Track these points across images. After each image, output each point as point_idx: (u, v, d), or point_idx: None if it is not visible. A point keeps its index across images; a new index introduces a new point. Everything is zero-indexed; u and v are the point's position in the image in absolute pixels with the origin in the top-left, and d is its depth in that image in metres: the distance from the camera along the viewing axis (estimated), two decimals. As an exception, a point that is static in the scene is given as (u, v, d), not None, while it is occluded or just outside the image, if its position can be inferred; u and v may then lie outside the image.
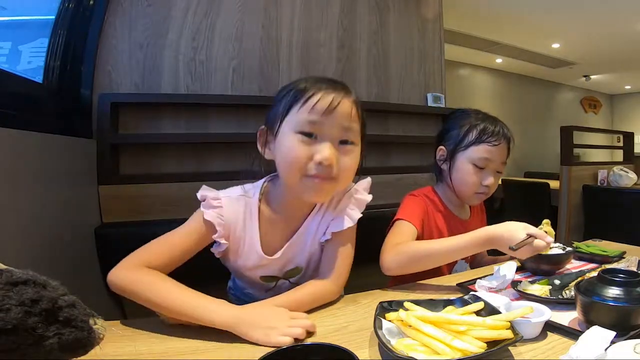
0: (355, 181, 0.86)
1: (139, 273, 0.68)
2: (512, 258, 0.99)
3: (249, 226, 0.79)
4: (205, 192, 0.79)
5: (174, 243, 0.75)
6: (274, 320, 0.62)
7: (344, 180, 0.76)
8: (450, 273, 1.05)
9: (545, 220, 0.92)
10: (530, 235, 0.81)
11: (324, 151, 0.70)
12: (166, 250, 0.74)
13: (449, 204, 1.12)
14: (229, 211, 0.78)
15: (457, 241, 0.87)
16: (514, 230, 0.83)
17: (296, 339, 0.59)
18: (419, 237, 0.99)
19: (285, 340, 0.58)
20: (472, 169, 1.04)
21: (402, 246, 0.90)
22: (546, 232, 0.84)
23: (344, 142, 0.73)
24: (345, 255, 0.83)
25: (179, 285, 0.68)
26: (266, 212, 0.81)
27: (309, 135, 0.71)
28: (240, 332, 0.61)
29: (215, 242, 0.79)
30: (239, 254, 0.81)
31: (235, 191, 0.81)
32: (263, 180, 0.84)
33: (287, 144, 0.72)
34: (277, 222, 0.82)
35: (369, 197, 0.87)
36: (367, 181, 0.90)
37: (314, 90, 0.72)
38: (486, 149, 1.03)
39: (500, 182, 3.86)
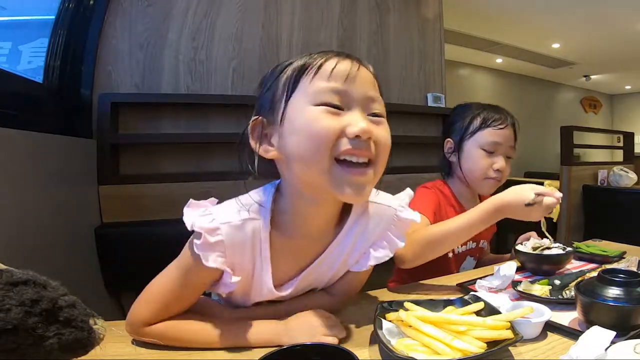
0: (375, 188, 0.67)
1: (153, 329, 0.59)
2: (512, 257, 0.99)
3: (257, 257, 0.61)
4: (195, 218, 0.58)
5: (173, 298, 0.61)
6: (314, 322, 0.61)
7: (381, 162, 0.59)
8: (458, 271, 1.05)
9: (547, 182, 0.90)
10: (538, 194, 0.80)
11: (360, 121, 0.55)
12: (165, 311, 0.60)
13: (460, 198, 1.11)
14: (232, 242, 0.58)
15: (468, 217, 0.84)
16: (521, 193, 0.81)
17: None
18: None
19: (332, 340, 0.58)
20: (482, 153, 1.04)
21: (414, 235, 0.86)
22: None
23: (373, 115, 0.58)
24: (364, 279, 0.74)
25: (199, 322, 0.61)
26: (277, 237, 0.62)
27: (335, 106, 0.55)
28: (283, 343, 0.58)
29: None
30: (245, 290, 0.64)
31: (234, 213, 0.60)
32: (269, 189, 0.63)
33: (308, 117, 0.55)
34: (291, 248, 0.64)
35: (417, 217, 0.71)
36: (407, 194, 0.74)
37: (323, 58, 0.58)
38: (493, 132, 1.04)
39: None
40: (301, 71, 0.58)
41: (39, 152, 1.05)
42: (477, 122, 1.06)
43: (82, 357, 0.44)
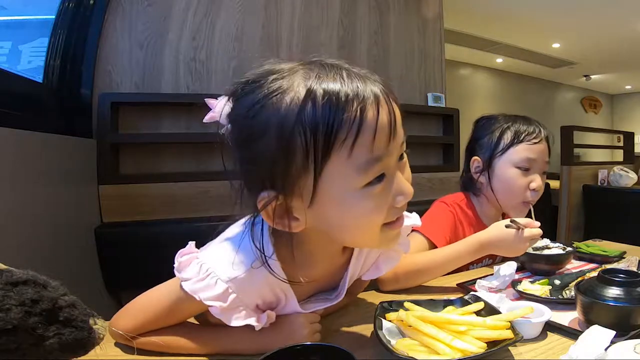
0: None
1: (135, 339, 0.57)
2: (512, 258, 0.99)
3: (278, 289, 0.57)
4: (195, 286, 0.51)
5: (157, 320, 0.58)
6: (297, 328, 0.58)
7: None
8: (468, 269, 1.01)
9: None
10: (517, 225, 0.80)
11: (405, 187, 0.49)
12: (148, 327, 0.58)
13: (483, 217, 1.04)
14: (246, 294, 0.53)
15: (454, 251, 0.84)
16: (500, 227, 0.82)
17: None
18: None
19: (317, 337, 0.58)
20: (517, 172, 0.96)
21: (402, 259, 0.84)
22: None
23: (400, 157, 0.51)
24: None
25: (186, 329, 0.59)
26: (287, 269, 0.56)
27: (380, 178, 0.47)
28: (272, 348, 0.54)
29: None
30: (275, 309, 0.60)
31: (235, 265, 0.52)
32: (257, 224, 0.53)
33: (360, 203, 0.46)
34: (305, 277, 0.58)
35: (417, 220, 0.69)
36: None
37: (357, 105, 0.43)
38: (527, 148, 0.96)
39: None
40: (333, 134, 0.43)
41: (39, 152, 1.05)
42: (508, 136, 0.97)
43: (82, 357, 0.44)
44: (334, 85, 0.43)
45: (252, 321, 0.53)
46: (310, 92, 0.43)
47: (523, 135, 0.96)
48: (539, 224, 0.83)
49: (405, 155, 0.51)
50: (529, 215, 0.97)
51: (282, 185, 0.46)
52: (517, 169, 0.96)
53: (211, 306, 0.51)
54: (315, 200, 0.46)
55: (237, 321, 0.52)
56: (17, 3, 1.45)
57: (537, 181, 0.95)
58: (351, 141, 0.43)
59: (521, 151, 0.96)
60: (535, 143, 0.96)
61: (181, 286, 0.53)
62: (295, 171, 0.45)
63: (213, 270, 0.52)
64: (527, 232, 0.81)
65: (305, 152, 0.43)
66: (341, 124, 0.42)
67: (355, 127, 0.43)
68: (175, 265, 0.54)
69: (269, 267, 0.52)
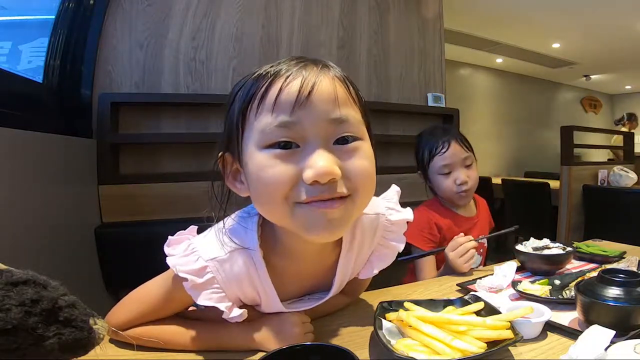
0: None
1: (129, 332, 0.57)
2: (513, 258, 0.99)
3: (259, 285, 0.57)
4: (177, 260, 0.54)
5: (152, 311, 0.59)
6: (289, 327, 0.58)
7: (363, 194, 0.51)
8: None
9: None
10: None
11: (317, 162, 0.46)
12: (141, 320, 0.59)
13: (452, 207, 1.19)
14: (225, 277, 0.55)
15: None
16: (451, 246, 0.96)
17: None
18: (440, 244, 1.10)
19: (310, 337, 0.58)
20: (441, 177, 1.13)
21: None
22: None
23: (341, 141, 0.49)
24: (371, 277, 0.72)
25: (173, 326, 0.59)
26: (275, 261, 0.58)
27: (284, 146, 0.47)
28: (267, 348, 0.56)
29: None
30: (259, 307, 0.61)
31: (219, 247, 0.55)
32: (250, 217, 0.58)
33: (257, 165, 0.48)
34: (292, 271, 0.60)
35: (409, 214, 0.67)
36: (395, 192, 0.69)
37: (270, 78, 0.48)
38: (440, 159, 1.12)
39: (500, 182, 3.79)
40: (246, 102, 0.49)
41: (39, 152, 1.05)
42: (425, 155, 1.15)
43: (82, 357, 0.43)
44: (267, 67, 0.50)
45: (222, 306, 0.54)
46: (252, 73, 0.51)
47: (433, 150, 1.14)
48: (470, 237, 0.98)
49: (355, 143, 0.50)
50: (494, 230, 1.21)
51: (227, 146, 0.54)
52: (440, 175, 1.14)
53: (185, 280, 0.53)
54: (243, 163, 0.51)
55: (205, 300, 0.53)
56: (17, 3, 1.45)
57: (460, 177, 1.11)
58: (256, 105, 0.48)
59: (436, 163, 1.14)
60: (444, 152, 1.12)
61: (167, 263, 0.55)
62: (232, 133, 0.52)
63: (198, 250, 0.55)
64: (447, 249, 0.96)
65: (237, 117, 0.51)
66: (256, 90, 0.49)
67: (261, 92, 0.48)
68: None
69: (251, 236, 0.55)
